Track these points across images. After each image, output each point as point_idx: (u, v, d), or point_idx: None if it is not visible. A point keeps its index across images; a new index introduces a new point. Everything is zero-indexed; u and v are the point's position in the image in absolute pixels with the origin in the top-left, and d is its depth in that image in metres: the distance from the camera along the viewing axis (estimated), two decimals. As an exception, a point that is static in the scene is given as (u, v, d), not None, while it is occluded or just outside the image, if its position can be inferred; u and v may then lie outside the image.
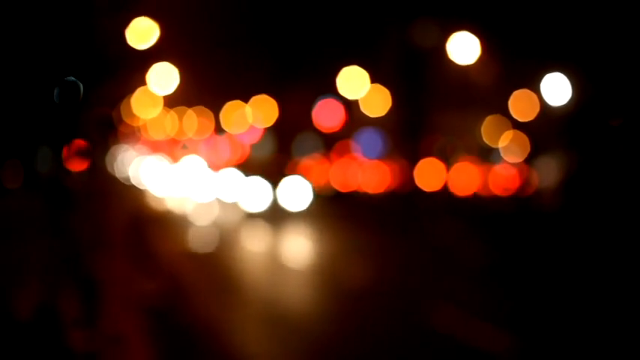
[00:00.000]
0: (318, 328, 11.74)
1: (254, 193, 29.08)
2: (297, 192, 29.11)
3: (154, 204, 35.37)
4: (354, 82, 41.36)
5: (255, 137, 51.36)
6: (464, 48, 30.41)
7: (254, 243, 23.19)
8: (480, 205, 34.87)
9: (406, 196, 38.80)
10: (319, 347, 10.55)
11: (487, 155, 39.41)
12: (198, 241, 22.16)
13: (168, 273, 15.25)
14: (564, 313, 12.39)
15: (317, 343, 10.80)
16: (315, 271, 17.81)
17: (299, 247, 22.51)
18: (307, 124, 46.23)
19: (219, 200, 35.62)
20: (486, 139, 40.08)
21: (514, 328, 11.42)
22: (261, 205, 28.87)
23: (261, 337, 11.08)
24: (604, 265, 17.35)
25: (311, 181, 30.57)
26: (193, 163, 45.66)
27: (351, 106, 43.78)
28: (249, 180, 30.04)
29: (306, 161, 44.04)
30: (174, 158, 49.83)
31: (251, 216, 28.55)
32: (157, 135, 54.87)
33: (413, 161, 40.73)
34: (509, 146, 38.83)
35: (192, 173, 42.96)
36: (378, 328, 11.67)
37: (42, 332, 7.97)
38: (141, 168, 47.75)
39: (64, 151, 13.12)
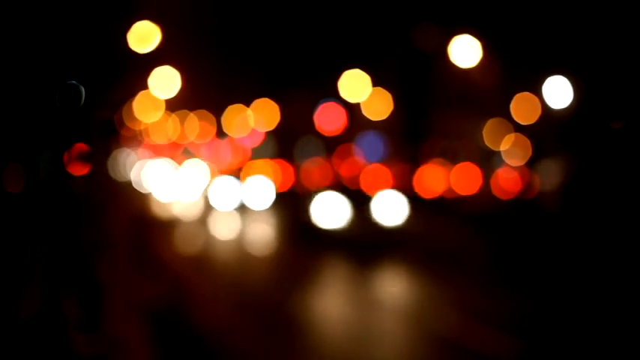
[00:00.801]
0: (319, 330, 11.72)
1: (329, 206, 23.18)
2: (387, 205, 23.23)
3: (157, 208, 35.17)
4: (355, 85, 41.34)
5: (257, 141, 51.39)
6: (465, 51, 30.38)
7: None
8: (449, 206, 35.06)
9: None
10: (320, 349, 10.53)
11: (488, 158, 39.40)
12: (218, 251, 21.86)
13: (171, 276, 15.24)
14: (568, 316, 12.37)
15: (318, 344, 10.78)
16: (315, 274, 17.81)
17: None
18: (309, 127, 46.25)
19: (246, 208, 34.91)
20: (488, 143, 40.07)
21: (517, 331, 11.41)
22: (339, 219, 22.87)
23: (263, 339, 11.07)
24: (606, 267, 17.33)
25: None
26: (201, 167, 45.31)
27: (352, 109, 43.78)
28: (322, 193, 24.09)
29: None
30: (179, 162, 49.69)
31: (326, 233, 22.96)
32: (159, 139, 54.85)
33: (415, 165, 40.74)
34: (511, 149, 38.82)
35: (204, 179, 42.50)
36: (385, 335, 11.66)
37: (46, 336, 7.96)
38: (144, 172, 47.69)
39: (66, 155, 13.11)
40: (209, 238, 25.37)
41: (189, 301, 13.27)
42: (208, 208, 35.80)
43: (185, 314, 12.05)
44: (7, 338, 7.74)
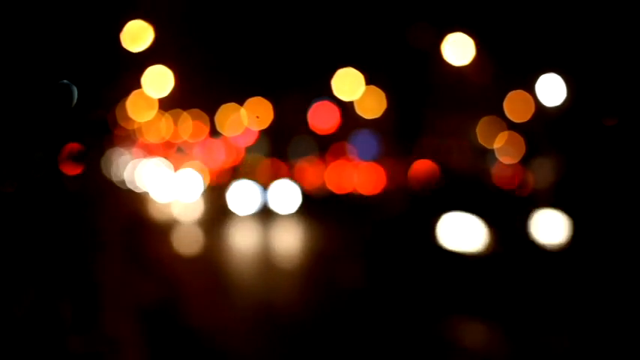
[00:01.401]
0: (319, 330, 11.70)
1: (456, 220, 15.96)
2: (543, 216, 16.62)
3: (153, 208, 34.79)
4: (349, 83, 41.34)
5: (251, 140, 51.33)
6: (459, 49, 30.39)
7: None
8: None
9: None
10: (319, 349, 10.52)
11: (482, 156, 39.43)
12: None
13: (166, 276, 15.21)
14: (566, 314, 12.37)
15: (317, 345, 10.76)
16: (308, 268, 17.76)
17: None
18: (302, 126, 46.25)
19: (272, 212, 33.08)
20: (481, 141, 40.08)
21: (515, 328, 11.39)
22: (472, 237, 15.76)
23: (259, 339, 11.05)
24: (601, 264, 17.33)
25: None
26: (197, 168, 44.71)
27: (346, 108, 43.78)
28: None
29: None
30: (173, 161, 49.43)
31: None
32: (152, 138, 54.78)
33: (408, 163, 40.72)
34: (505, 147, 38.84)
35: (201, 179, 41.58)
36: (383, 332, 11.64)
37: (41, 335, 7.94)
38: (138, 171, 47.61)
39: (59, 155, 13.09)
40: (213, 241, 24.55)
41: (184, 300, 13.25)
42: (213, 210, 33.84)
43: (180, 314, 12.03)
44: (3, 338, 7.71)
